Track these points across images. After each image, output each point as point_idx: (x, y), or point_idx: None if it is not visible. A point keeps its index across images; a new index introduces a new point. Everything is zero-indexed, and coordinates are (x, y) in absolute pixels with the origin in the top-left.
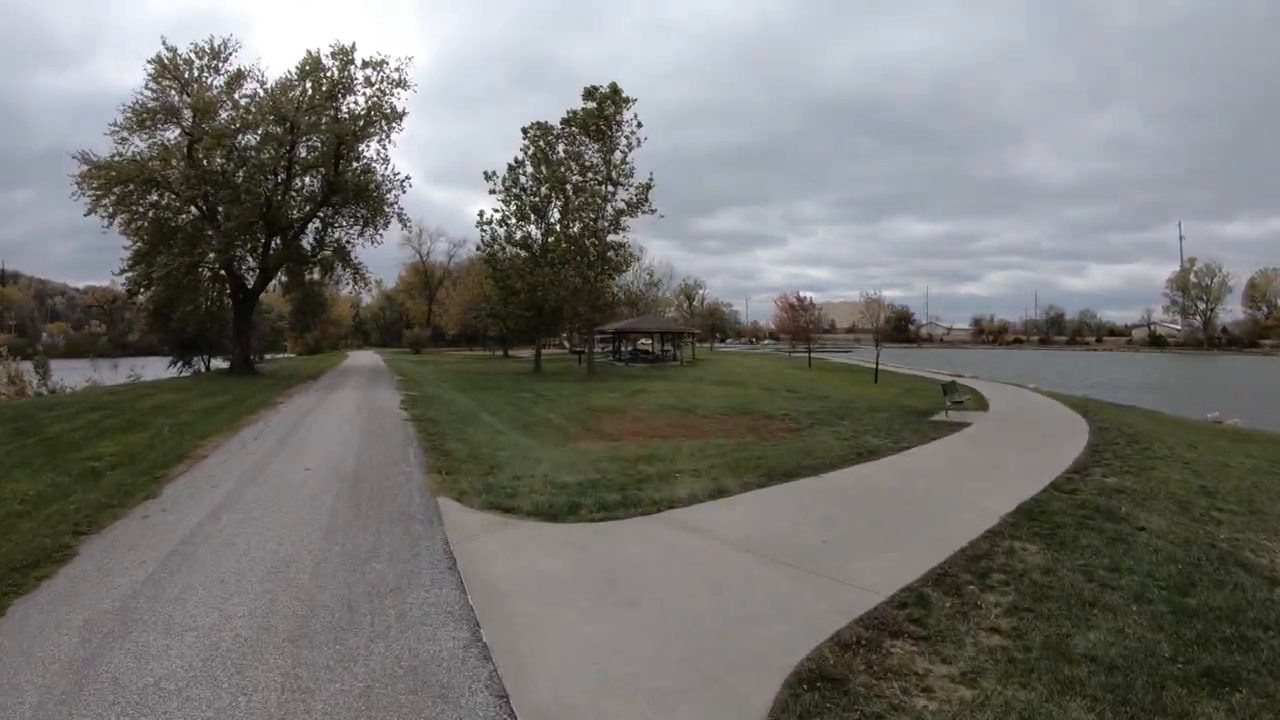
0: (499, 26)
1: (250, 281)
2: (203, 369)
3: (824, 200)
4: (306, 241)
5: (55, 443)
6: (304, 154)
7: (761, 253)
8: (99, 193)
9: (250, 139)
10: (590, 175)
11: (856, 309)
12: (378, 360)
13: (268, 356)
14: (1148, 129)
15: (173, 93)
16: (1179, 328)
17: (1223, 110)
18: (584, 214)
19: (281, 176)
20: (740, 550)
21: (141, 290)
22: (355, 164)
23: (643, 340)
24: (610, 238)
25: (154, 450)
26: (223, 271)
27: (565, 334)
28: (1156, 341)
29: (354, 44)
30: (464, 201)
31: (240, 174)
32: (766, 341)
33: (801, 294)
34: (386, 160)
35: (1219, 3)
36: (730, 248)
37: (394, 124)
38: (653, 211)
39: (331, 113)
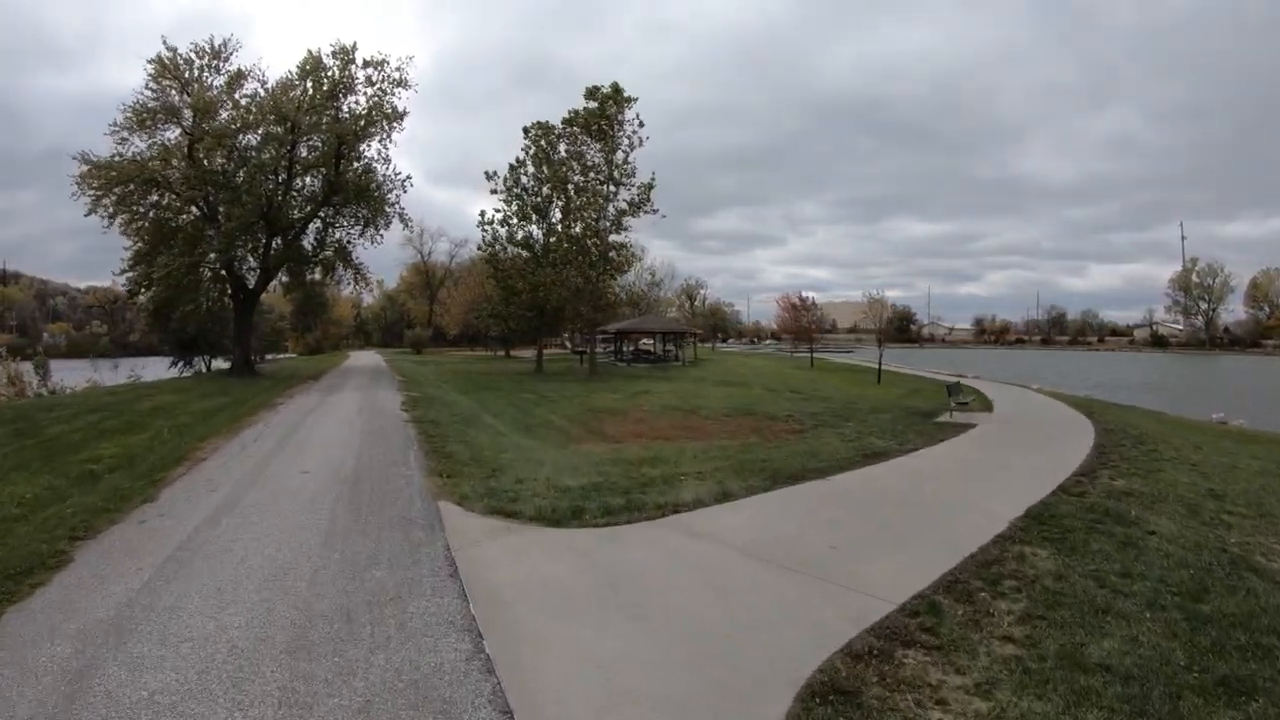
0: (499, 27)
1: (251, 282)
2: (203, 369)
3: (824, 200)
4: (307, 242)
5: (54, 444)
6: (305, 154)
7: (762, 253)
8: (99, 193)
9: (251, 139)
10: (592, 175)
11: (857, 309)
12: (379, 361)
13: (269, 357)
14: (1148, 129)
15: (173, 93)
16: (1181, 328)
17: (1223, 110)
18: (586, 214)
19: (282, 176)
20: (747, 556)
21: (142, 290)
22: (356, 164)
23: (644, 340)
24: (612, 238)
25: (153, 453)
26: (223, 272)
27: (567, 334)
28: (1159, 342)
29: (355, 43)
30: (465, 201)
31: (241, 174)
32: (768, 342)
33: (803, 294)
34: (388, 160)
35: (1219, 3)
36: (731, 248)
37: (395, 124)
38: (655, 211)
39: (332, 112)
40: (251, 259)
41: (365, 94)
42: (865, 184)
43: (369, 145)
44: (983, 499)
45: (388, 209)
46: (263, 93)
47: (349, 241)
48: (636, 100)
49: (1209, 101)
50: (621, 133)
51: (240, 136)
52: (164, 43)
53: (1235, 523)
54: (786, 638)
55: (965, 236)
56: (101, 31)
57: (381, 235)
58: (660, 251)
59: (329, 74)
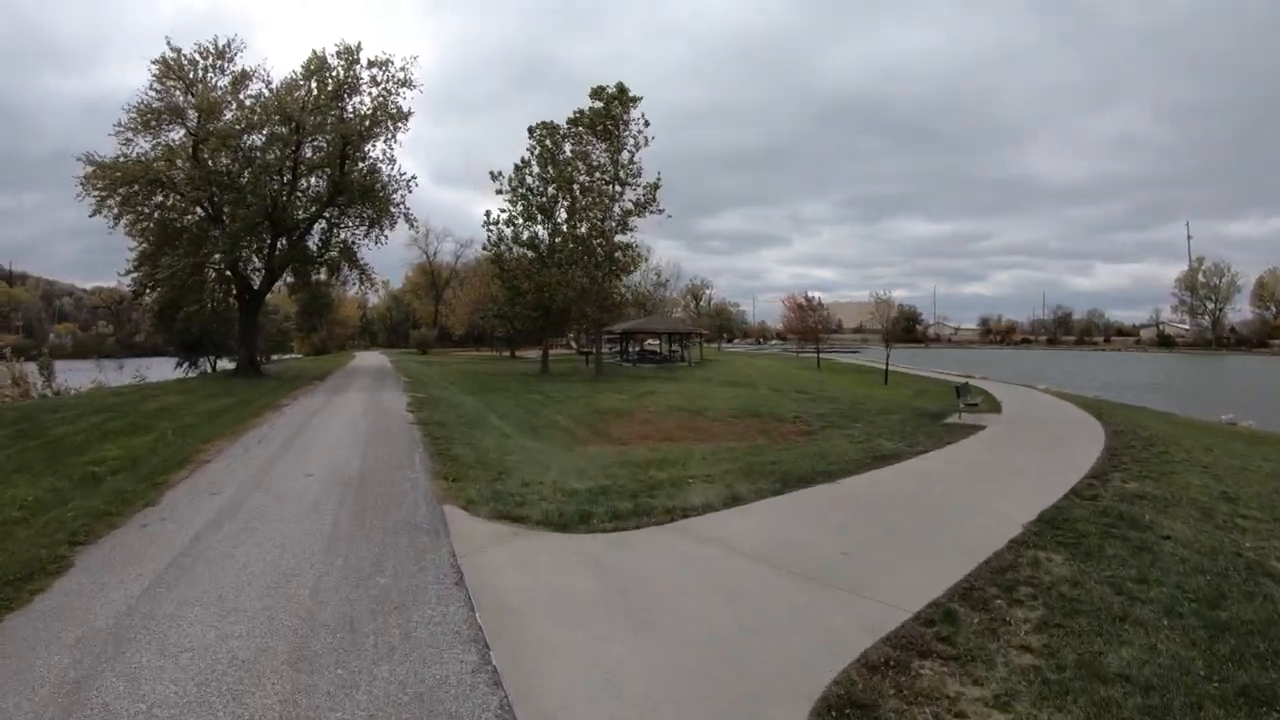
0: (500, 28)
1: (256, 282)
2: (209, 370)
3: (828, 200)
4: (312, 242)
5: (57, 446)
6: (309, 154)
7: (767, 253)
8: (103, 194)
9: (256, 139)
10: (598, 175)
11: (863, 309)
12: (384, 361)
13: (274, 357)
14: (1152, 128)
15: (177, 93)
16: (1187, 328)
17: (1226, 109)
18: (591, 214)
19: (287, 177)
20: (759, 563)
21: (147, 291)
22: (361, 164)
23: (650, 341)
24: (618, 238)
25: (156, 454)
26: (228, 272)
27: (572, 335)
28: (1165, 341)
29: (359, 43)
30: (469, 202)
31: (246, 174)
32: (774, 342)
33: (809, 294)
34: (393, 160)
35: (1219, 2)
36: (735, 248)
37: (400, 124)
38: (660, 211)
39: (337, 113)
40: (256, 259)
41: (370, 94)
42: (869, 184)
43: (374, 145)
44: (995, 502)
45: (393, 209)
46: (267, 93)
47: (354, 242)
48: (641, 100)
49: (1212, 101)
50: (627, 132)
51: (245, 137)
52: (168, 43)
53: (1250, 526)
54: (800, 648)
55: (970, 236)
56: (105, 33)
57: (386, 236)
58: (666, 251)
59: (333, 74)
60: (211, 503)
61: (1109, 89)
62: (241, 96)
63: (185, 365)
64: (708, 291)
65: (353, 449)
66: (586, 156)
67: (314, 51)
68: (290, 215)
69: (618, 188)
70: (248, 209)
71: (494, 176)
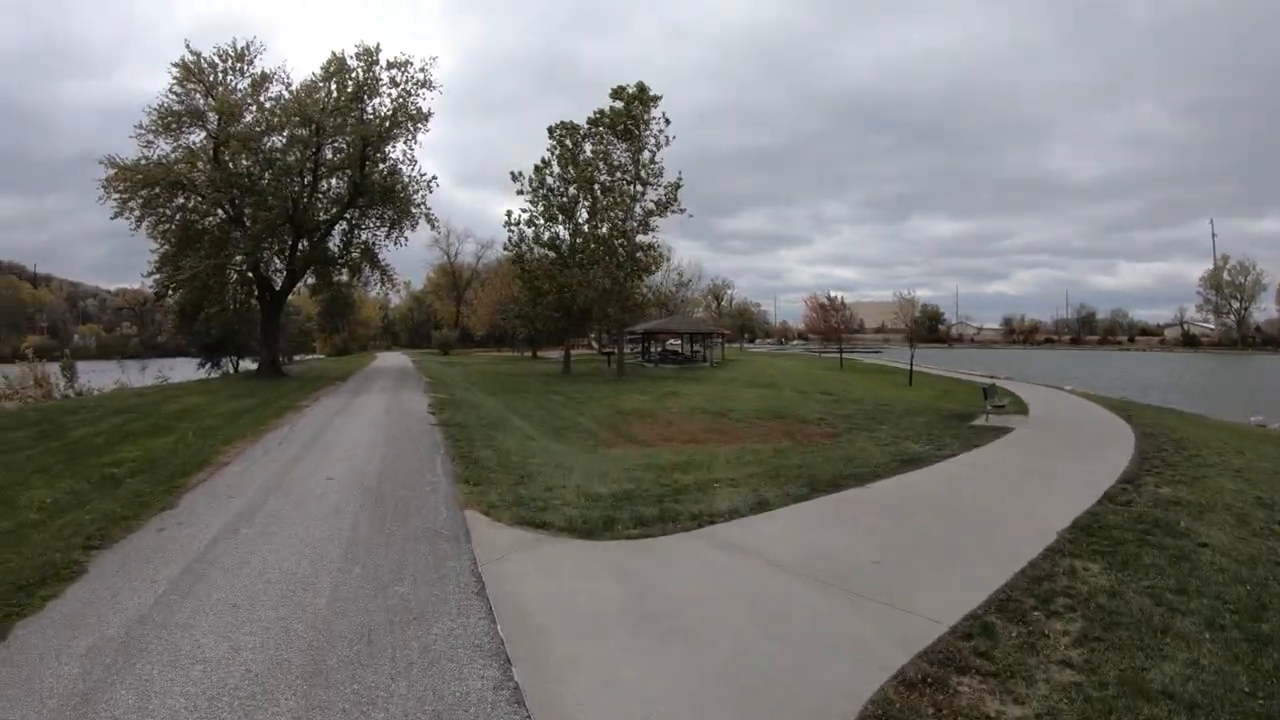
0: (518, 30)
1: (277, 283)
2: (231, 370)
3: (849, 200)
4: (333, 243)
5: (77, 447)
6: (330, 156)
7: (788, 253)
8: (125, 196)
9: (276, 141)
10: (619, 175)
11: (885, 309)
12: (406, 361)
13: (296, 358)
14: (1170, 125)
15: (197, 96)
16: (1212, 327)
17: (1246, 105)
18: (613, 214)
19: (308, 178)
20: (788, 572)
21: (169, 292)
22: (381, 165)
23: (672, 341)
24: (639, 238)
25: (176, 456)
26: (250, 273)
27: (594, 335)
28: (1190, 341)
29: (378, 45)
30: (489, 202)
31: (266, 176)
32: (795, 342)
33: (831, 294)
34: (413, 161)
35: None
36: (756, 248)
37: (420, 125)
38: (682, 211)
39: (357, 114)
40: (278, 261)
41: (389, 95)
42: (889, 183)
43: (394, 146)
44: (1028, 508)
45: (413, 210)
46: (287, 95)
47: (375, 243)
48: (661, 99)
49: (1232, 97)
50: (648, 132)
51: (265, 139)
52: (187, 46)
53: None
54: (834, 664)
55: (992, 235)
56: (126, 37)
57: (407, 237)
58: (687, 252)
59: (353, 76)
60: (229, 506)
61: (1125, 85)
62: (261, 99)
63: (207, 366)
64: (729, 291)
65: (373, 451)
66: (607, 156)
67: (333, 53)
68: (311, 217)
69: (639, 187)
70: (269, 211)
71: (515, 177)
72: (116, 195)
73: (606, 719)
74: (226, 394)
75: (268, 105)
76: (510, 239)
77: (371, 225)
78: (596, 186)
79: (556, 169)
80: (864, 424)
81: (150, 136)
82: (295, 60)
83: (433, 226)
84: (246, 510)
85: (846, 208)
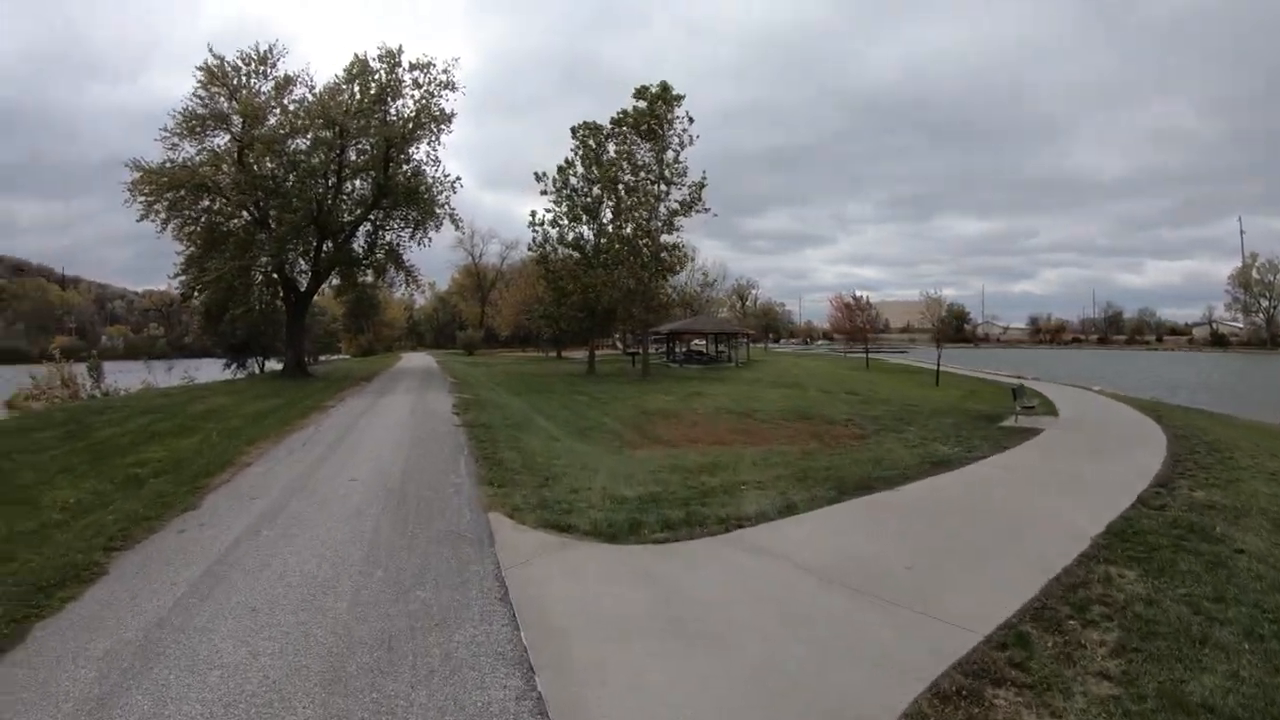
0: (540, 31)
1: (302, 284)
2: (257, 371)
3: (872, 199)
4: (358, 244)
5: (102, 447)
6: (354, 157)
7: (812, 252)
8: (151, 199)
9: (300, 143)
10: (643, 175)
11: (910, 308)
12: (431, 362)
13: (322, 358)
14: (1196, 121)
15: (221, 99)
16: (1241, 326)
17: (1269, 101)
18: (637, 214)
19: (332, 180)
20: (818, 578)
21: (195, 293)
22: (405, 166)
23: (696, 341)
24: (664, 238)
25: (200, 457)
26: (275, 275)
27: (619, 335)
28: (1218, 341)
29: (400, 46)
30: (513, 203)
31: (291, 178)
32: (820, 342)
33: (857, 293)
34: (437, 162)
35: None
36: (780, 247)
37: (443, 126)
38: (707, 210)
39: (380, 116)
40: (303, 262)
41: (412, 97)
42: (913, 182)
43: (417, 147)
44: (1060, 512)
45: (438, 210)
46: (310, 98)
47: (399, 244)
48: (684, 98)
49: (1258, 92)
50: (671, 131)
51: (289, 141)
52: (210, 50)
53: None
54: (867, 674)
55: (1018, 233)
56: (152, 43)
57: (430, 238)
58: (711, 251)
59: (376, 77)
60: (252, 507)
61: (1150, 81)
62: (285, 101)
63: (233, 366)
64: (753, 291)
65: (397, 452)
66: (631, 156)
67: (356, 55)
68: (336, 218)
69: (663, 187)
70: (293, 212)
71: (538, 178)
72: (142, 198)
73: None
74: (252, 394)
75: (291, 108)
76: (535, 239)
77: (396, 226)
78: (620, 186)
79: (580, 169)
80: (891, 425)
81: (175, 139)
82: (318, 63)
83: (457, 227)
84: (269, 511)
85: (870, 207)
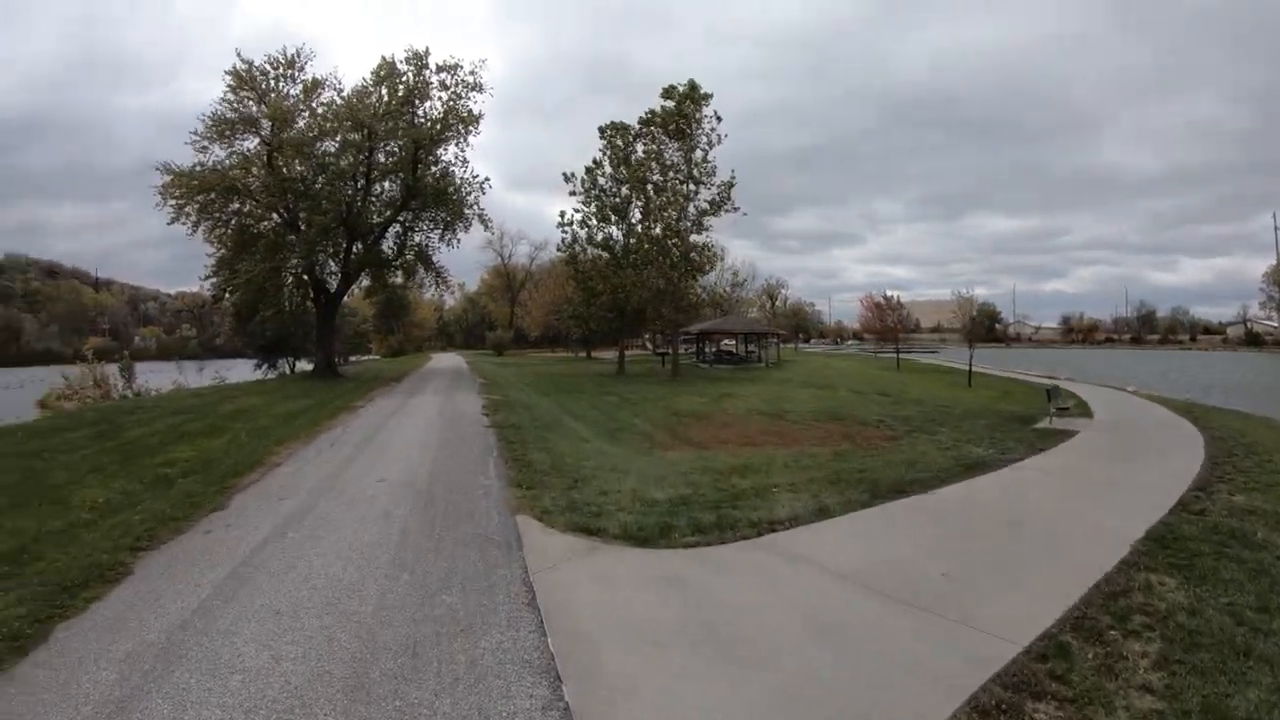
0: (566, 35)
1: (332, 285)
2: (287, 371)
3: (902, 198)
4: (387, 245)
5: (132, 447)
6: (382, 159)
7: (841, 252)
8: (181, 201)
9: (329, 146)
10: (671, 174)
11: (940, 307)
12: (460, 362)
13: (352, 359)
14: (1231, 114)
15: (250, 103)
16: (1276, 324)
17: None
18: (666, 214)
19: (361, 182)
20: (852, 584)
21: (226, 295)
22: (433, 168)
23: (726, 341)
24: (693, 238)
25: (229, 457)
26: (305, 276)
27: (648, 335)
28: (1253, 340)
29: (427, 49)
30: (542, 204)
31: (320, 181)
32: (850, 342)
33: (888, 293)
34: (465, 163)
35: None
36: (809, 247)
37: (470, 127)
38: (736, 209)
39: (408, 118)
40: (332, 263)
41: (440, 98)
42: (943, 180)
43: (445, 149)
44: (1099, 517)
45: (466, 211)
46: (339, 101)
47: (428, 245)
48: (712, 97)
49: None
50: (699, 131)
51: (318, 144)
52: (238, 55)
53: None
54: (904, 687)
55: (1049, 232)
56: (183, 50)
57: (459, 239)
58: (740, 251)
59: (403, 80)
60: (279, 508)
61: (1181, 74)
62: (313, 104)
63: (264, 367)
64: (783, 291)
65: (426, 453)
66: (660, 156)
67: (383, 58)
68: (365, 220)
69: (692, 187)
70: (323, 214)
71: (567, 178)
72: (173, 201)
73: None
74: (282, 395)
75: (320, 111)
76: (564, 240)
77: (425, 227)
78: (649, 186)
79: (608, 169)
80: (924, 426)
81: (205, 143)
82: (346, 67)
83: (486, 227)
84: (296, 512)
85: (900, 206)
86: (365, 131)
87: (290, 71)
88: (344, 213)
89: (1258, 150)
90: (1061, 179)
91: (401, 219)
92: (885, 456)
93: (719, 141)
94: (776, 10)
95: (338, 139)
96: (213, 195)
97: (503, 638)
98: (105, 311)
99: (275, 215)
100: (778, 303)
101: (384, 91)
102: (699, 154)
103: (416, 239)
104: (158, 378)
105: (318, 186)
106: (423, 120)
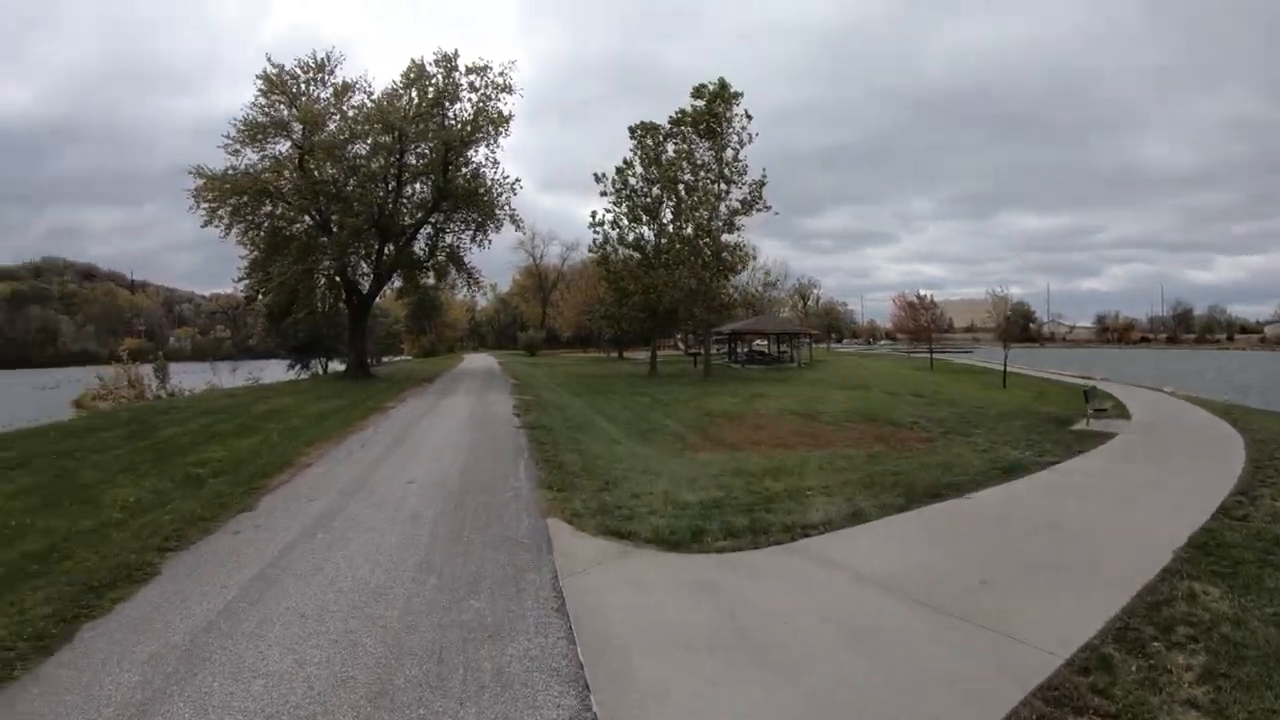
0: (594, 37)
1: (364, 287)
2: (320, 371)
3: (934, 196)
4: (419, 247)
5: (164, 447)
6: (413, 161)
7: (873, 251)
8: (214, 205)
9: (360, 148)
10: (703, 174)
11: (973, 307)
12: (492, 363)
13: (385, 359)
14: (1269, 108)
15: (281, 107)
16: None
17: None
18: (698, 214)
19: (392, 184)
20: (888, 592)
21: (259, 296)
22: (464, 169)
23: (758, 341)
24: (725, 237)
25: (259, 457)
26: (337, 278)
27: (680, 335)
28: None
29: (456, 51)
30: (573, 205)
31: (351, 183)
32: (883, 342)
33: (921, 292)
34: (495, 164)
35: None
36: (841, 246)
37: (501, 128)
38: (768, 208)
39: (438, 120)
40: (364, 265)
41: (469, 100)
42: (975, 178)
43: (476, 150)
44: (1139, 523)
45: (498, 212)
46: (369, 103)
47: (460, 246)
48: (743, 96)
49: None
50: (730, 130)
51: (349, 147)
52: (268, 60)
53: None
54: (942, 700)
55: (1082, 229)
56: (215, 57)
57: (490, 240)
58: (772, 251)
59: (433, 82)
60: (308, 509)
61: (1216, 67)
62: (344, 107)
63: (297, 367)
64: (815, 291)
65: (456, 455)
66: (690, 155)
67: (413, 60)
68: (396, 221)
69: (723, 186)
70: (355, 217)
71: (598, 179)
72: (205, 204)
73: None
74: (314, 395)
75: (350, 114)
76: (595, 240)
77: (456, 228)
78: (680, 186)
79: (639, 169)
80: (959, 428)
81: (237, 147)
82: (376, 70)
83: (517, 227)
84: (325, 514)
85: (932, 204)
86: (396, 134)
87: (320, 75)
88: (375, 214)
89: None
90: (1094, 176)
91: (433, 220)
92: (920, 459)
93: (750, 140)
94: (805, 9)
95: (369, 141)
96: (245, 198)
97: (530, 644)
98: (141, 313)
99: (307, 217)
100: (810, 302)
101: (414, 94)
102: (730, 153)
103: (448, 240)
104: (192, 378)
105: (349, 189)
106: (453, 122)
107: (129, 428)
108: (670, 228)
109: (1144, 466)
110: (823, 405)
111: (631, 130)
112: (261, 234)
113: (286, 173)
